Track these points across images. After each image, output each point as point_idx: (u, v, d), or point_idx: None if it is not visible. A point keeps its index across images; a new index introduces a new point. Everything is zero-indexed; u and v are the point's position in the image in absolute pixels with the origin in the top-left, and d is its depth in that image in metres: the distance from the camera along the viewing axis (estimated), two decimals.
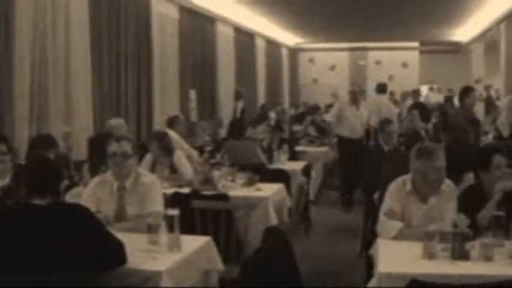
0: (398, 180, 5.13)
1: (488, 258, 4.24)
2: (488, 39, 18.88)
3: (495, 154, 5.24)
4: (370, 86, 18.77)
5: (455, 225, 4.42)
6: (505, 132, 10.32)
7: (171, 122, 9.99)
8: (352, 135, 11.22)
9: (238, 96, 16.46)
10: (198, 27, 14.32)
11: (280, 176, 8.02)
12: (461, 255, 4.25)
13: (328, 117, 12.16)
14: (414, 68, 24.72)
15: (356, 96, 11.42)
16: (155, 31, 11.93)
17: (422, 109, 13.18)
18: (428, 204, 5.00)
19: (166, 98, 12.52)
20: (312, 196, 10.44)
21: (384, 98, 14.01)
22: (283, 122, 14.00)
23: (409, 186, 5.03)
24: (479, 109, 17.34)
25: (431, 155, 4.93)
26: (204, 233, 5.43)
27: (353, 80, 23.69)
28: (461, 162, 5.48)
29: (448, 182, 5.10)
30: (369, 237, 6.04)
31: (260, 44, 20.07)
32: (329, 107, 19.38)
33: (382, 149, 8.29)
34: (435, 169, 4.92)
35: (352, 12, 16.03)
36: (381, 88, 14.04)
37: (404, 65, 24.66)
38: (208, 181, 7.17)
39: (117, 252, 3.88)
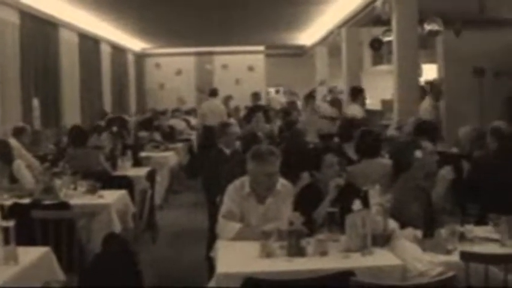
0: (237, 182, 5.23)
1: (323, 253, 4.41)
2: (330, 43, 19.47)
3: (326, 153, 5.44)
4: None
5: (291, 224, 4.56)
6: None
7: (18, 132, 9.77)
8: None
9: None
10: (41, 33, 13.93)
11: (123, 183, 7.98)
12: (298, 251, 4.40)
13: None
14: (260, 72, 25.07)
15: None
16: None
17: (265, 111, 13.49)
18: (266, 205, 5.12)
19: (8, 106, 12.12)
20: (157, 201, 10.41)
21: (216, 101, 15.71)
22: (128, 127, 13.86)
23: (246, 188, 5.14)
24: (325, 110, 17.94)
25: (263, 160, 5.05)
26: (45, 243, 5.31)
27: (199, 84, 23.86)
28: (298, 161, 5.64)
29: (284, 182, 5.25)
30: (212, 239, 6.10)
31: (105, 49, 19.77)
32: (176, 111, 19.48)
33: (223, 152, 8.37)
34: (265, 173, 5.06)
35: (197, 17, 16.08)
36: (213, 92, 15.88)
37: (251, 69, 24.97)
38: (49, 190, 7.01)
39: None
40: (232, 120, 13.45)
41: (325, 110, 13.48)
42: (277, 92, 25.10)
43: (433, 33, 14.17)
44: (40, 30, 13.90)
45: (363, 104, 12.18)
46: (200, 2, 13.65)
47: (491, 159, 6.54)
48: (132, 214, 7.65)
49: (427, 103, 12.83)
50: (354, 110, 11.50)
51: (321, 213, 5.00)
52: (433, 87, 11.05)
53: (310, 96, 13.05)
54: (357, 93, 12.12)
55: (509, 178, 5.84)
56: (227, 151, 8.29)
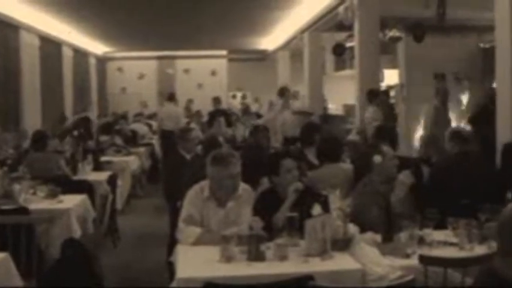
0: (196, 186, 5.22)
1: (283, 258, 4.40)
2: (293, 48, 19.54)
3: (285, 158, 5.45)
4: (180, 95, 18.98)
5: (251, 228, 4.56)
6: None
7: None
8: None
9: None
10: (1, 35, 13.77)
11: (84, 187, 7.90)
12: (257, 256, 4.39)
13: None
14: (222, 76, 25.07)
15: None
16: None
17: (227, 115, 13.52)
18: (226, 209, 5.11)
19: None
20: (119, 206, 10.34)
21: (173, 106, 16.28)
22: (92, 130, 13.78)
23: (206, 192, 5.13)
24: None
25: (226, 162, 5.05)
26: (3, 248, 5.23)
27: (161, 88, 23.77)
28: (257, 166, 5.64)
29: (244, 187, 5.25)
30: (173, 244, 6.08)
31: (67, 53, 19.61)
32: (138, 115, 19.40)
33: (183, 157, 8.35)
34: (229, 176, 5.05)
35: (159, 21, 16.03)
36: (170, 97, 16.57)
37: (213, 73, 24.94)
38: (8, 195, 6.94)
39: None
40: (193, 125, 13.46)
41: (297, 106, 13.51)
42: (233, 97, 25.11)
43: (394, 39, 14.33)
44: (0, 33, 13.74)
45: (379, 105, 12.00)
46: (162, 6, 13.60)
47: (451, 163, 6.61)
48: (92, 219, 7.59)
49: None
50: (372, 113, 11.41)
51: (280, 218, 5.00)
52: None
53: (285, 90, 12.94)
54: (373, 96, 12.00)
55: (468, 182, 5.91)
56: (187, 156, 8.27)
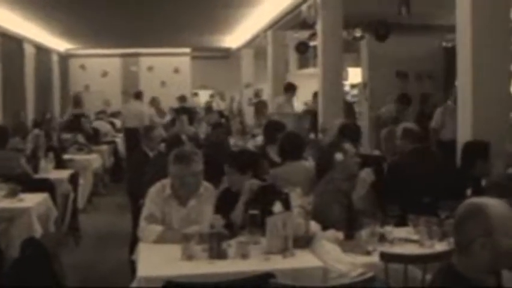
0: (158, 184, 5.20)
1: (244, 256, 4.41)
2: (257, 46, 19.53)
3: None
4: (144, 93, 18.85)
5: (212, 226, 4.56)
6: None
7: None
8: None
9: None
10: None
11: (45, 186, 7.82)
12: (219, 254, 4.39)
13: None
14: (186, 74, 24.97)
15: None
16: None
17: (190, 113, 13.50)
18: (188, 207, 5.10)
19: None
20: (80, 205, 10.25)
21: (138, 104, 16.40)
22: (52, 129, 13.64)
23: (168, 190, 5.11)
24: (249, 113, 18.03)
25: (188, 160, 5.03)
26: None
27: (125, 86, 23.62)
28: (219, 164, 5.63)
29: (206, 185, 5.24)
30: (135, 242, 6.05)
31: (29, 50, 19.39)
32: (101, 113, 19.26)
33: (147, 154, 8.31)
34: (192, 174, 5.04)
35: (122, 18, 15.92)
36: (137, 95, 16.76)
37: (176, 71, 24.83)
38: None
39: None
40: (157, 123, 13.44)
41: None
42: (195, 94, 25.06)
43: (357, 38, 14.40)
44: None
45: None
46: (125, 2, 13.52)
47: (406, 160, 6.67)
48: (53, 218, 7.52)
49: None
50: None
51: (238, 215, 5.01)
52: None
53: (290, 87, 13.23)
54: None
55: (425, 179, 5.97)
56: (151, 154, 8.24)
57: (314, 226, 4.79)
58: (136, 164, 8.04)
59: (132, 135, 14.48)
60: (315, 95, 13.03)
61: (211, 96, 24.41)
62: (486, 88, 6.80)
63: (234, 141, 10.76)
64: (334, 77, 11.67)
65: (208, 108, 18.61)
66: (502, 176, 6.04)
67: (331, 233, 4.78)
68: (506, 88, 6.95)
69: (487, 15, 6.82)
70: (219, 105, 22.80)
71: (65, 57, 24.09)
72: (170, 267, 4.28)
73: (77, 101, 16.82)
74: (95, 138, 14.49)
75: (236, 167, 5.31)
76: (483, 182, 5.95)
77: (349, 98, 17.74)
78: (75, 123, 14.55)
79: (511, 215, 2.94)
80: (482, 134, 6.58)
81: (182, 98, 17.36)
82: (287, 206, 4.73)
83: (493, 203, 2.96)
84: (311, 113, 12.24)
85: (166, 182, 5.16)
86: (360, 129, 8.39)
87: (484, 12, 6.81)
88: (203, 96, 24.76)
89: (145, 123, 13.68)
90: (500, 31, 6.89)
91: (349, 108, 13.19)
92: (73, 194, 8.31)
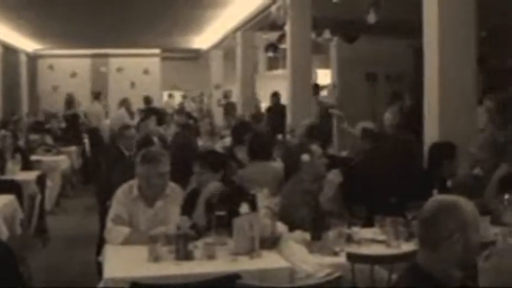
0: (125, 185, 5.18)
1: (211, 257, 4.41)
2: (226, 47, 19.53)
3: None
4: (113, 94, 18.86)
5: (179, 228, 4.54)
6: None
7: None
8: None
9: None
10: None
11: (12, 187, 7.74)
12: (185, 255, 4.38)
13: None
14: (156, 75, 24.87)
15: None
16: None
17: (159, 114, 13.44)
18: (155, 208, 5.09)
19: None
20: (48, 206, 10.17)
21: (97, 104, 17.41)
22: (19, 130, 13.52)
23: (135, 191, 5.09)
24: (218, 115, 18.02)
25: (155, 161, 5.03)
26: None
27: (94, 87, 23.45)
28: (187, 165, 5.61)
29: (173, 186, 5.23)
30: (102, 244, 6.01)
31: None
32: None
33: (123, 153, 8.26)
34: (158, 174, 5.03)
35: (91, 18, 15.81)
36: (96, 95, 17.73)
37: (146, 72, 24.72)
38: None
39: None
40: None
41: None
42: (170, 96, 25.00)
43: (326, 40, 14.44)
44: None
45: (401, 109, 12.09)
46: (94, 2, 13.44)
47: (366, 161, 6.70)
48: (20, 220, 7.44)
49: None
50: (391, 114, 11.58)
51: (199, 215, 4.99)
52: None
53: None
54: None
55: (388, 180, 5.99)
56: (127, 153, 8.21)
57: (281, 227, 4.80)
58: (112, 163, 7.95)
59: (94, 134, 15.59)
60: (274, 94, 13.30)
61: (184, 97, 24.36)
62: (452, 89, 6.85)
63: (202, 142, 10.73)
64: (303, 78, 11.70)
65: (180, 109, 18.55)
66: (468, 176, 6.10)
67: (298, 233, 4.80)
68: (472, 89, 6.99)
69: (453, 16, 6.87)
70: (191, 106, 22.75)
71: (33, 58, 23.89)
72: (137, 268, 4.26)
73: (70, 102, 16.93)
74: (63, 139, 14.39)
75: (208, 166, 5.28)
76: (449, 183, 5.99)
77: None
78: (73, 124, 15.01)
79: (478, 212, 2.98)
80: (448, 135, 6.63)
81: (147, 100, 17.42)
82: (254, 207, 4.73)
83: (463, 200, 2.99)
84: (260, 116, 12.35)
85: (134, 183, 5.15)
86: (330, 130, 8.42)
87: (450, 13, 6.85)
88: (178, 98, 24.67)
89: (102, 123, 14.68)
90: (467, 33, 6.94)
91: (322, 109, 13.23)
92: (40, 196, 8.22)
